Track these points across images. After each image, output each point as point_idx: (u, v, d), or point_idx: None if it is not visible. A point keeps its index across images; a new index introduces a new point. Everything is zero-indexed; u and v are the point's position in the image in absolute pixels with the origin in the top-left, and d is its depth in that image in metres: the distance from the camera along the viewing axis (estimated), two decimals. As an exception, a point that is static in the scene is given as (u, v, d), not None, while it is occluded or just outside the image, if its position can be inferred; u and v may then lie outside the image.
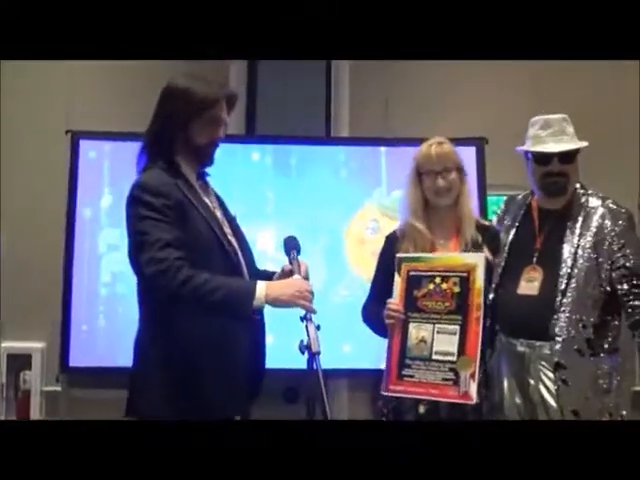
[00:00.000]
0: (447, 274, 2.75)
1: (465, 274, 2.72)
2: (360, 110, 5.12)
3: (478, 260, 2.73)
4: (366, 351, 4.72)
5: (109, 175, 4.70)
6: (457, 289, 2.73)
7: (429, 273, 2.78)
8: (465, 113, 5.16)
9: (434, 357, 2.73)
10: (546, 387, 2.72)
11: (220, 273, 2.52)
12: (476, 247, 2.91)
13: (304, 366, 2.62)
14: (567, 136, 2.85)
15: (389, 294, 2.90)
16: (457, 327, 2.71)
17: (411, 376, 2.75)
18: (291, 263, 2.69)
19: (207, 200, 2.66)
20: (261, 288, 2.51)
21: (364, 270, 4.74)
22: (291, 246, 2.77)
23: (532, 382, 2.76)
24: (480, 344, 2.68)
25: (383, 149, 4.91)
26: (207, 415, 2.51)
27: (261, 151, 4.82)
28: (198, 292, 2.43)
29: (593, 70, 5.14)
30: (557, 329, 2.72)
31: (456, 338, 2.71)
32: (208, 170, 2.77)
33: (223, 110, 2.64)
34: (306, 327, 2.57)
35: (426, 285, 2.78)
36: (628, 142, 5.28)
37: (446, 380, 2.69)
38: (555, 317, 2.72)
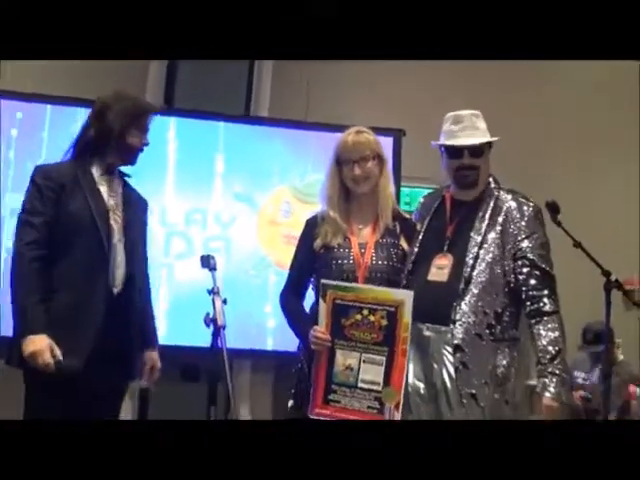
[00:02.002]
0: (375, 307, 2.79)
1: (393, 309, 2.78)
2: (281, 93, 5.12)
3: (406, 297, 2.78)
4: (268, 333, 4.76)
5: (17, 138, 4.57)
6: (385, 322, 2.78)
7: (356, 304, 2.81)
8: (385, 103, 5.21)
9: (360, 385, 2.77)
10: (448, 371, 2.78)
11: (84, 254, 2.80)
12: (393, 236, 2.96)
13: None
14: (478, 131, 2.91)
15: (308, 280, 2.98)
16: (383, 358, 2.76)
17: (337, 401, 2.80)
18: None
19: (103, 190, 2.92)
20: (31, 339, 2.68)
21: (273, 251, 4.77)
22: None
23: (435, 366, 2.81)
24: (405, 376, 2.76)
25: (301, 133, 4.93)
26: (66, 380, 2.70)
27: (178, 125, 4.76)
28: (18, 285, 2.77)
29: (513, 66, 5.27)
30: (459, 314, 2.77)
31: (382, 369, 2.76)
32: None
33: (148, 119, 2.99)
34: (212, 300, 2.68)
35: (353, 315, 2.81)
36: (543, 138, 5.47)
37: (371, 408, 2.76)
38: (457, 302, 2.79)
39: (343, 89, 5.23)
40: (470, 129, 2.90)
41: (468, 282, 2.79)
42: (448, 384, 2.77)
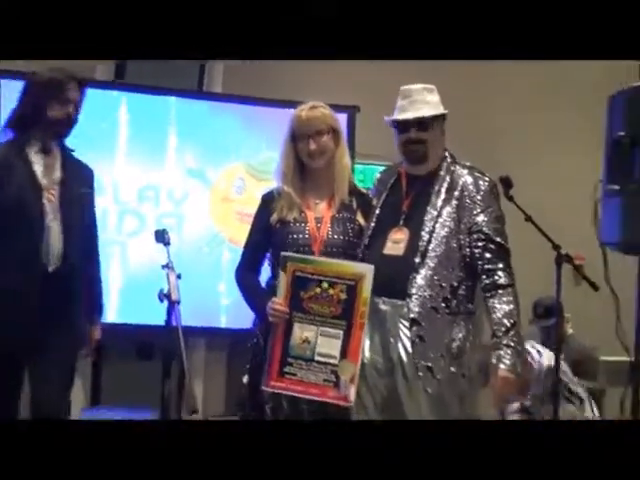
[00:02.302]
0: (335, 280, 2.80)
1: (353, 283, 2.79)
2: (235, 68, 5.06)
3: (367, 271, 2.79)
4: (222, 310, 4.75)
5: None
6: (344, 296, 2.80)
7: (316, 277, 2.82)
8: (339, 80, 5.18)
9: (316, 358, 2.78)
10: (404, 345, 2.81)
11: (17, 235, 2.94)
12: (349, 211, 2.97)
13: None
14: (427, 104, 2.91)
15: (263, 255, 2.98)
16: (341, 332, 2.77)
17: (293, 374, 2.79)
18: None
19: (38, 169, 3.00)
20: None
21: (227, 228, 4.74)
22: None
23: (392, 340, 2.83)
24: (361, 350, 2.78)
25: (256, 109, 4.89)
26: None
27: (130, 101, 4.69)
28: None
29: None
30: (415, 288, 2.80)
31: (339, 342, 2.77)
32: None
33: (72, 91, 3.04)
34: (167, 275, 2.68)
35: (313, 288, 2.81)
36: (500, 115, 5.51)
37: (327, 381, 2.78)
38: (413, 276, 2.81)
39: (298, 65, 5.17)
40: (419, 103, 2.90)
41: (424, 256, 2.81)
42: (404, 357, 2.80)
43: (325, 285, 2.80)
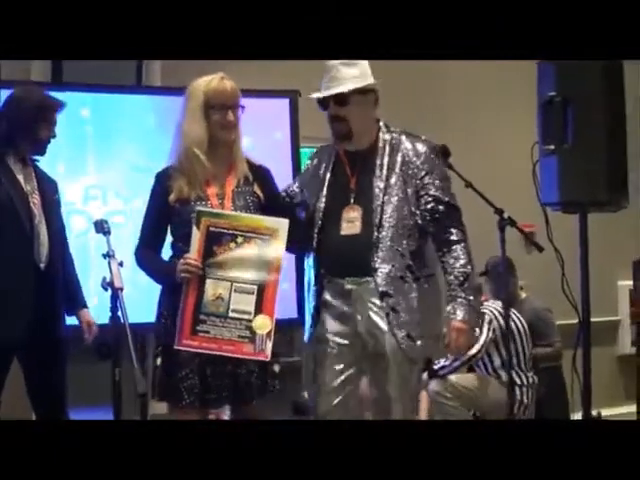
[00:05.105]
0: (249, 235, 2.79)
1: (267, 237, 2.79)
2: (172, 61, 5.02)
3: (281, 225, 2.80)
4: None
5: None
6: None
7: (231, 231, 2.79)
8: (277, 65, 5.17)
9: (231, 315, 2.77)
10: (373, 320, 2.85)
11: (9, 237, 3.19)
12: (248, 184, 2.94)
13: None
14: (344, 80, 2.89)
15: (162, 236, 2.94)
16: (255, 287, 2.78)
17: (206, 332, 2.76)
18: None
19: (20, 177, 3.31)
20: None
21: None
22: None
23: (359, 317, 2.87)
24: (276, 304, 2.79)
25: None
26: None
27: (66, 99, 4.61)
28: None
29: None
30: (378, 262, 2.84)
31: (253, 297, 2.78)
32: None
33: (55, 114, 3.37)
34: (109, 263, 2.69)
35: (227, 243, 2.79)
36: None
37: (242, 337, 2.76)
38: (374, 251, 2.83)
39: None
40: (334, 79, 2.91)
41: (380, 229, 2.86)
42: (376, 332, 2.86)
43: (240, 240, 2.78)
